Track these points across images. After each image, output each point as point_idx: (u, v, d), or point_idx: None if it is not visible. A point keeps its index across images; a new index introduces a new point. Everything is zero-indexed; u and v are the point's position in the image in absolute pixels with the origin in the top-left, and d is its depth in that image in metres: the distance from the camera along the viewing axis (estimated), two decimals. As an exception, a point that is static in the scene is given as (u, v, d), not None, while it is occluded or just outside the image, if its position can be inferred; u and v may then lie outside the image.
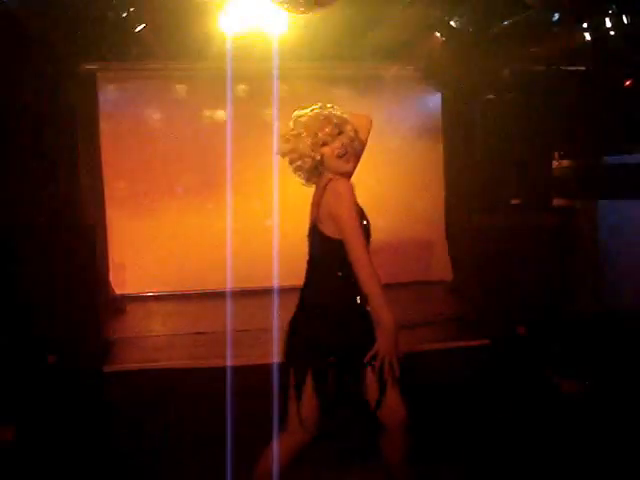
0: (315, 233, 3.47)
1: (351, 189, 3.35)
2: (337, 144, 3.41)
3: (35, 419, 4.94)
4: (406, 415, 3.45)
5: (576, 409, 5.09)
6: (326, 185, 3.43)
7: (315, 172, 3.54)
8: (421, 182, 9.46)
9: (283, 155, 3.58)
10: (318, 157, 3.45)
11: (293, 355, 3.49)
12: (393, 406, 3.43)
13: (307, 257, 3.55)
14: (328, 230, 3.39)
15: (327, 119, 3.41)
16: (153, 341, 6.58)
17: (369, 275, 3.28)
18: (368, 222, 3.49)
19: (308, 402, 3.42)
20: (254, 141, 9.09)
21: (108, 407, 5.15)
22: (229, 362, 5.76)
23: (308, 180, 3.60)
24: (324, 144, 3.42)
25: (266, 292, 8.65)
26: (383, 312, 3.23)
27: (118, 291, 8.45)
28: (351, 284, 3.34)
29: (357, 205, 3.37)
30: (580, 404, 5.18)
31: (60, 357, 5.77)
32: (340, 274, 3.41)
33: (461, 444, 4.61)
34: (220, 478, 4.23)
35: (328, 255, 3.44)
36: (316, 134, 3.40)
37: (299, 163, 3.53)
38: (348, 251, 3.28)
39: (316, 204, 3.50)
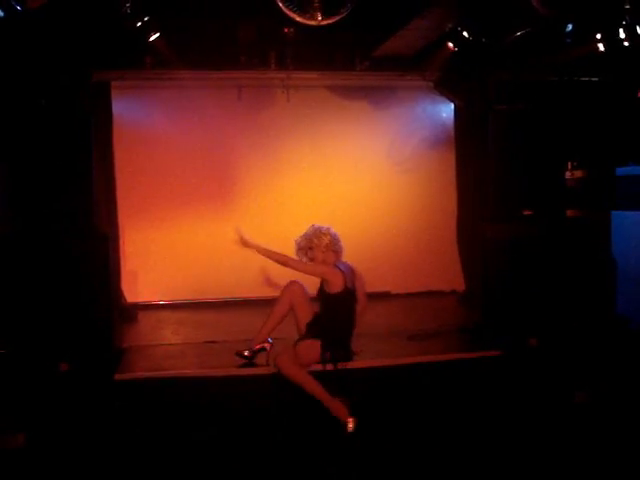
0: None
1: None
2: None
3: (46, 426, 4.96)
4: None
5: (589, 420, 5.06)
6: None
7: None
8: (433, 192, 9.46)
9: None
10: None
11: None
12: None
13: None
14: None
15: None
16: (164, 350, 6.58)
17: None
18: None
19: None
20: (268, 151, 9.15)
21: (119, 415, 5.15)
22: (240, 371, 5.78)
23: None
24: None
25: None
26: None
27: (130, 299, 8.47)
28: None
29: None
30: (593, 415, 5.15)
31: (72, 365, 5.78)
32: None
33: (472, 454, 4.59)
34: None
35: None
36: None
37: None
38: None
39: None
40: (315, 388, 5.29)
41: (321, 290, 5.74)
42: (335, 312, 5.67)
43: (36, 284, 6.13)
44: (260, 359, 5.88)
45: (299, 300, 5.84)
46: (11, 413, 5.03)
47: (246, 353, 5.89)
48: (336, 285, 5.63)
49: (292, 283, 5.91)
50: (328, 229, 5.81)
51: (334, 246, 5.79)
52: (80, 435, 4.87)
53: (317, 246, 5.74)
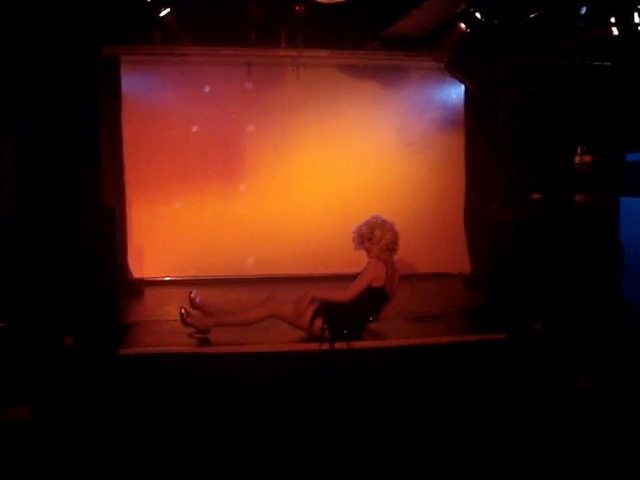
0: None
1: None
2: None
3: (51, 399, 4.98)
4: None
5: (593, 404, 5.07)
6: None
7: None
8: (441, 174, 9.43)
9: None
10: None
11: None
12: None
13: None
14: None
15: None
16: (170, 325, 6.59)
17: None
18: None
19: None
20: (276, 127, 9.12)
21: (123, 389, 5.17)
22: (244, 348, 5.79)
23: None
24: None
25: (283, 279, 8.73)
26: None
27: (136, 275, 8.49)
28: None
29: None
30: (596, 399, 5.15)
31: (77, 339, 5.80)
32: None
33: (476, 436, 4.61)
34: (234, 461, 4.26)
35: None
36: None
37: None
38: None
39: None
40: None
41: None
42: (363, 301, 5.69)
43: (42, 259, 6.14)
44: (265, 336, 5.91)
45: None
46: (16, 386, 5.05)
47: None
48: (379, 279, 5.74)
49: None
50: (392, 226, 5.85)
51: (393, 244, 5.80)
52: (85, 409, 4.89)
53: (377, 240, 5.74)
